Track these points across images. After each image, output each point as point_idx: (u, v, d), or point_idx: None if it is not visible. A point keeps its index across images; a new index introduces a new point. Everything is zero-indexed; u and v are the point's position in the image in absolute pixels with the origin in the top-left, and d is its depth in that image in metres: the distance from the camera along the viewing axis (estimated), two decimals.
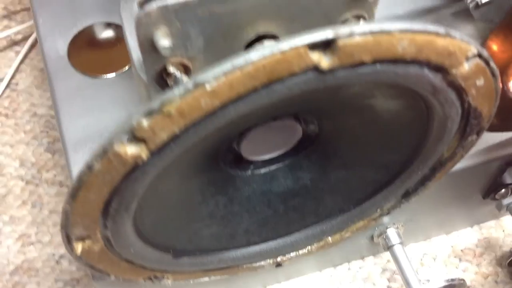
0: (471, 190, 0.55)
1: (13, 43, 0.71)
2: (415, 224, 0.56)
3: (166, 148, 0.30)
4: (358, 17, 0.36)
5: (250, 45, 0.35)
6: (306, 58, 0.29)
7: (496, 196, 0.55)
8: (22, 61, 0.69)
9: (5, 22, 0.72)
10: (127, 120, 0.29)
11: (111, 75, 0.51)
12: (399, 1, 0.56)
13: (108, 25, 0.54)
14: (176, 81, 0.35)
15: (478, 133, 0.41)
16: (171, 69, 0.34)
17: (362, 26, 0.29)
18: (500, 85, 0.37)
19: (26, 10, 0.73)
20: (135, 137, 0.29)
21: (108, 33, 0.54)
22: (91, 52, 0.52)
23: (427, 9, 0.56)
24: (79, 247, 0.37)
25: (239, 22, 0.33)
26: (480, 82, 0.35)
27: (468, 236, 0.61)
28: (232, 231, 0.45)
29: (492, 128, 0.44)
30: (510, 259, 0.57)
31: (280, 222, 0.47)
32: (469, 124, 0.39)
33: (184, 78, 0.34)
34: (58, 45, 0.53)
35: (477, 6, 0.45)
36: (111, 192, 0.32)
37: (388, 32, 0.29)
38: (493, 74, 0.35)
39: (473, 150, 0.44)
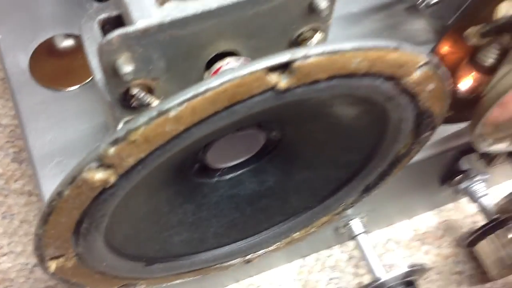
0: (429, 179, 0.57)
1: None
2: (377, 212, 0.59)
3: (133, 171, 0.31)
4: (314, 30, 0.37)
5: (211, 61, 0.37)
6: (264, 81, 0.30)
7: (452, 183, 0.57)
8: None
9: None
10: (94, 149, 0.30)
11: (74, 87, 0.52)
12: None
13: (68, 36, 0.54)
14: (140, 101, 0.36)
15: (432, 130, 0.43)
16: (135, 91, 0.35)
17: (316, 48, 0.30)
18: (451, 86, 0.39)
19: None
20: (103, 164, 0.30)
21: (68, 44, 0.54)
22: (53, 64, 0.53)
23: (381, 5, 0.58)
24: (53, 265, 0.38)
25: (200, 42, 0.35)
26: (430, 86, 0.37)
27: (429, 219, 0.64)
28: (202, 235, 0.47)
29: (446, 120, 0.46)
30: (469, 240, 0.59)
31: (248, 223, 0.48)
32: (423, 123, 0.41)
33: (148, 98, 0.35)
34: (19, 59, 0.53)
35: (427, 6, 0.47)
36: (82, 214, 0.33)
37: (341, 52, 0.31)
38: (443, 79, 0.37)
39: (429, 141, 0.46)
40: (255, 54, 0.37)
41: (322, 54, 0.30)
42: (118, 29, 0.32)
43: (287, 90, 0.31)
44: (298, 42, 0.38)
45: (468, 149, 0.53)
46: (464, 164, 0.55)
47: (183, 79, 0.37)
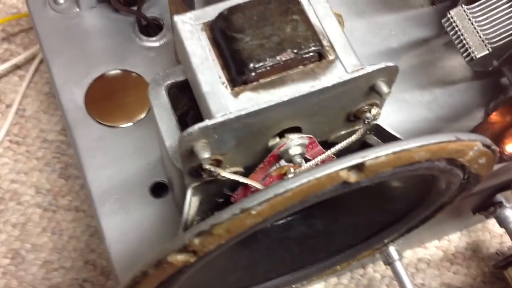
0: (464, 210, 0.60)
1: (16, 67, 0.72)
2: (411, 236, 0.61)
3: (212, 253, 0.34)
4: (371, 105, 0.39)
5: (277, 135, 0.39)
6: (337, 178, 0.32)
7: (485, 212, 0.60)
8: (27, 86, 0.71)
9: (5, 45, 0.74)
10: (180, 238, 0.33)
11: (129, 124, 0.54)
12: (393, 34, 0.59)
13: (120, 72, 0.56)
14: (210, 174, 0.38)
15: (477, 184, 0.46)
16: (206, 166, 0.37)
17: (385, 149, 0.32)
18: (498, 152, 0.42)
19: (25, 32, 0.74)
20: (186, 250, 0.33)
21: (121, 80, 0.56)
22: (107, 100, 0.55)
23: (420, 40, 0.60)
24: None
25: (268, 124, 0.37)
26: (482, 160, 0.39)
27: (458, 240, 0.67)
28: (253, 273, 0.50)
29: None
30: (495, 263, 0.62)
31: (295, 260, 0.51)
32: (470, 182, 0.44)
33: (217, 170, 0.38)
34: (75, 94, 0.55)
35: (471, 60, 0.49)
36: (158, 284, 0.36)
37: (407, 150, 0.33)
38: (493, 152, 0.39)
39: None
40: (315, 127, 0.40)
41: (391, 154, 0.33)
42: (198, 123, 0.34)
43: (355, 183, 0.33)
44: (355, 114, 0.40)
45: (504, 187, 0.55)
46: (498, 197, 0.58)
47: (249, 151, 0.39)
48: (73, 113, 0.54)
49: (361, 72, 0.36)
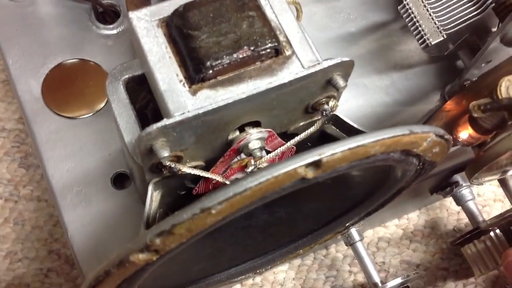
0: (422, 190, 0.61)
1: None
2: (372, 217, 0.63)
3: (174, 250, 0.35)
4: (329, 97, 0.40)
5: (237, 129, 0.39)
6: (295, 175, 0.33)
7: (442, 192, 0.61)
8: None
9: None
10: (141, 238, 0.33)
11: (88, 114, 0.54)
12: (351, 18, 0.60)
13: (78, 61, 0.55)
14: (171, 170, 0.38)
15: (432, 169, 0.47)
16: (166, 163, 0.38)
17: (341, 145, 0.33)
18: (452, 140, 0.43)
19: None
20: (148, 249, 0.34)
21: (78, 70, 0.55)
22: (65, 91, 0.54)
23: (378, 24, 0.60)
24: None
25: (227, 120, 0.37)
26: (436, 149, 0.40)
27: (416, 218, 0.68)
28: (217, 262, 0.51)
29: None
30: (457, 242, 0.64)
31: (259, 247, 0.52)
32: (425, 168, 0.45)
33: (177, 166, 0.38)
34: (31, 85, 0.54)
35: (427, 46, 0.50)
36: (122, 281, 0.37)
37: (363, 145, 0.34)
38: (446, 140, 0.40)
39: None
40: (274, 120, 0.40)
41: (347, 150, 0.33)
42: (156, 123, 0.34)
43: (313, 178, 0.34)
44: (314, 107, 0.41)
45: (459, 168, 0.57)
46: (455, 177, 0.59)
47: (209, 146, 0.39)
48: (30, 105, 0.54)
49: (317, 68, 0.36)
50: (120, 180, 0.52)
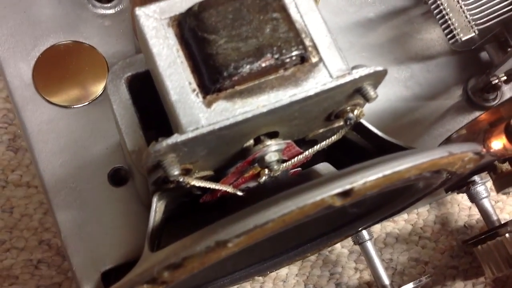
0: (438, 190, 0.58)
1: None
2: None
3: (183, 279, 0.31)
4: (354, 105, 0.36)
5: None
6: (322, 204, 0.29)
7: (458, 190, 0.58)
8: None
9: None
10: (148, 271, 0.30)
11: (83, 103, 0.49)
12: (370, 2, 0.55)
13: (72, 43, 0.51)
14: (179, 184, 0.34)
15: (457, 179, 0.44)
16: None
17: (376, 172, 0.29)
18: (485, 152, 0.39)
19: None
20: (155, 282, 0.30)
21: (72, 53, 0.51)
22: (58, 77, 0.50)
23: (398, 10, 0.56)
24: None
25: (243, 133, 0.33)
26: (470, 165, 0.37)
27: (426, 213, 0.65)
28: (221, 267, 0.47)
29: None
30: (465, 238, 0.61)
31: (265, 251, 0.49)
32: (451, 179, 0.42)
33: (185, 180, 0.34)
34: (21, 70, 0.50)
35: (456, 41, 0.45)
36: None
37: (398, 172, 0.30)
38: (482, 157, 0.37)
39: None
40: (294, 129, 0.36)
41: (380, 177, 0.30)
42: (167, 138, 0.30)
43: (340, 206, 0.30)
44: (337, 115, 0.37)
45: (480, 170, 0.53)
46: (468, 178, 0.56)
47: (221, 157, 0.36)
48: (20, 92, 0.49)
49: (347, 78, 0.32)
50: (118, 177, 0.48)
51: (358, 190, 0.29)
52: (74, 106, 0.49)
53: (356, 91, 0.34)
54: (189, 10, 0.31)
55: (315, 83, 0.32)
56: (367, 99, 0.34)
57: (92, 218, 0.47)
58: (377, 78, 0.34)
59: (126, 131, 0.37)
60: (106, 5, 0.52)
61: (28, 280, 0.60)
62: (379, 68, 0.33)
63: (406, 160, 0.30)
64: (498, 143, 0.40)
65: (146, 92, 0.38)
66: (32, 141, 0.48)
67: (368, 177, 0.29)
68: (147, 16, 0.32)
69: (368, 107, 0.53)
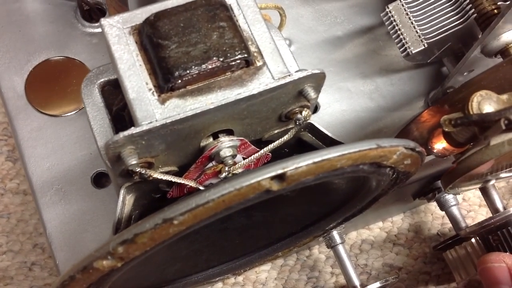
0: (404, 195, 0.61)
1: None
2: (355, 219, 0.63)
3: (138, 257, 0.35)
4: (302, 107, 0.40)
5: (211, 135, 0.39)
6: (259, 188, 0.33)
7: (425, 198, 0.62)
8: None
9: None
10: (105, 246, 0.33)
11: (70, 113, 0.54)
12: (338, 21, 0.60)
13: (62, 59, 0.56)
14: (142, 176, 0.38)
15: (407, 179, 0.47)
16: (137, 169, 0.38)
17: (306, 159, 0.33)
18: (425, 151, 0.43)
19: None
20: (112, 256, 0.34)
21: (62, 68, 0.55)
22: (48, 89, 0.55)
23: (364, 28, 0.60)
24: None
25: (197, 129, 0.37)
26: (407, 161, 0.40)
27: (401, 222, 0.69)
28: (194, 263, 0.51)
29: None
30: (439, 246, 0.64)
31: (236, 249, 0.53)
32: (400, 178, 0.45)
33: (148, 172, 0.38)
34: (15, 83, 0.54)
35: (408, 54, 0.49)
36: (88, 285, 0.37)
37: (328, 159, 0.34)
38: (418, 153, 0.41)
39: None
40: (247, 128, 0.40)
41: (311, 164, 0.33)
42: (123, 132, 0.34)
43: (278, 190, 0.34)
44: (287, 116, 0.41)
45: (441, 175, 0.57)
46: (437, 183, 0.59)
47: (181, 152, 0.39)
48: (13, 102, 0.54)
49: (287, 80, 0.36)
50: (100, 179, 0.53)
51: (291, 175, 0.33)
52: (62, 115, 0.54)
53: (299, 93, 0.38)
54: (147, 19, 0.36)
55: (258, 84, 0.36)
56: (308, 99, 0.38)
57: (75, 217, 0.51)
58: (317, 80, 0.38)
59: (98, 130, 0.41)
60: (94, 24, 0.57)
61: (22, 281, 0.64)
62: (316, 71, 0.37)
63: (336, 149, 0.34)
64: (439, 145, 0.44)
65: (119, 95, 0.43)
66: (23, 147, 0.53)
67: (299, 163, 0.33)
68: (111, 26, 0.37)
69: (335, 117, 0.57)
